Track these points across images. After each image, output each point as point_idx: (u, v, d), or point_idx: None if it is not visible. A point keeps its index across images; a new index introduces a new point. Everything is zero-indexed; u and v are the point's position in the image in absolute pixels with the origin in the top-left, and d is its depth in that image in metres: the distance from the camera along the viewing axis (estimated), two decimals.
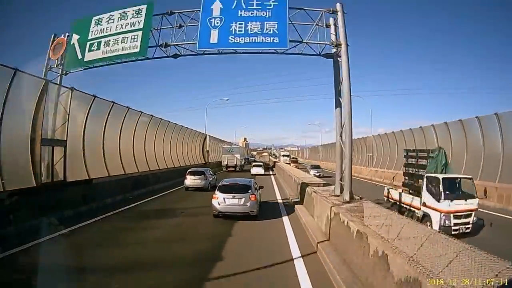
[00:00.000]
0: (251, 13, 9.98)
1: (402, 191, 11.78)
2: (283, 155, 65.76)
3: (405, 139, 25.68)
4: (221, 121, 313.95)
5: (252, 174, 29.74)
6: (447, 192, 8.72)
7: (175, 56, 10.31)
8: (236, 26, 9.93)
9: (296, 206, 12.22)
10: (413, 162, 11.86)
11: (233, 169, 37.48)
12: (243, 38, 9.88)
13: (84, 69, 12.00)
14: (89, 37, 11.31)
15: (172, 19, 10.63)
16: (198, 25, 10.08)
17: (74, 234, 8.20)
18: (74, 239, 7.82)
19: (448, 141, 19.31)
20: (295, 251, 7.13)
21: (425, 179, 9.57)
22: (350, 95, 9.45)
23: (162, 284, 5.33)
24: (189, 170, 18.90)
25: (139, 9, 10.77)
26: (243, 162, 42.73)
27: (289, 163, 48.51)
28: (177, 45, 10.54)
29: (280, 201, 14.82)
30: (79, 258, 6.22)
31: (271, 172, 36.69)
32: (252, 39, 9.87)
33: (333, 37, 9.96)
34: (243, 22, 9.92)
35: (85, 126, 13.19)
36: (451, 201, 8.61)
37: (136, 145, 17.88)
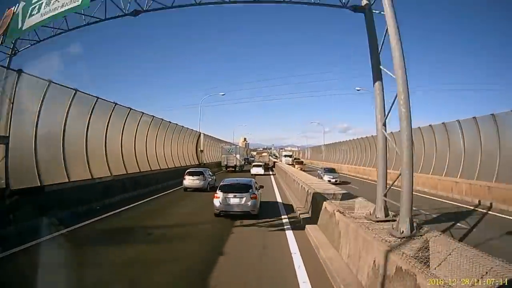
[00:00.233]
0: None
1: None
2: (285, 156, 60.38)
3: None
4: (219, 121, 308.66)
5: (252, 174, 29.67)
6: None
7: (135, 13, 7.41)
8: None
9: (307, 227, 8.78)
10: None
11: (233, 169, 37.12)
12: None
13: (32, 44, 9.43)
14: (33, 1, 8.76)
15: None
16: None
17: None
18: None
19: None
20: None
21: None
22: (404, 62, 5.63)
23: None
24: (188, 170, 18.16)
25: None
26: (243, 162, 42.41)
27: (292, 165, 45.03)
28: None
29: (280, 200, 13.83)
30: None
31: (271, 172, 36.44)
32: None
33: None
34: None
35: (38, 119, 10.49)
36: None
37: (110, 142, 14.69)
